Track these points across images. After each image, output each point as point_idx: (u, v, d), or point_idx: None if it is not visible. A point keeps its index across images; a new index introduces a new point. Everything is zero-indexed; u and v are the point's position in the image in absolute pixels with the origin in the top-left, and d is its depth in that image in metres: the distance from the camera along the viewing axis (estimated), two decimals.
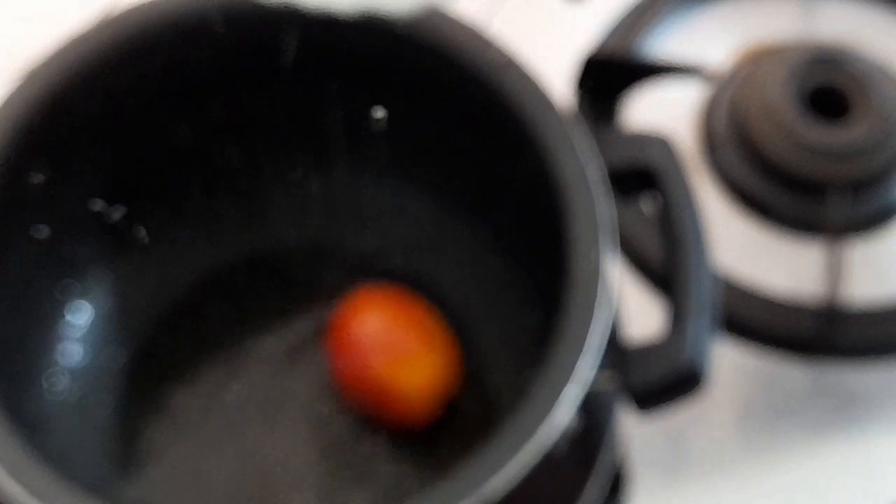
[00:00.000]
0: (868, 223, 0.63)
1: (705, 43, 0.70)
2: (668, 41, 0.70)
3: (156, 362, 0.56)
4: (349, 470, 0.54)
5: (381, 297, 0.55)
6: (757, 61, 0.66)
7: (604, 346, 0.43)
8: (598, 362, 0.42)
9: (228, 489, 0.53)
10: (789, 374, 0.61)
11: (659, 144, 0.47)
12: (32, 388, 0.51)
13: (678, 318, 0.43)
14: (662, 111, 0.68)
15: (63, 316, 0.54)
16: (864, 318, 0.60)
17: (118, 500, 0.51)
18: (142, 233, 0.56)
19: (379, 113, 0.55)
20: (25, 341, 0.51)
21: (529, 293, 0.54)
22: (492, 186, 0.54)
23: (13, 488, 0.39)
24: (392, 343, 0.53)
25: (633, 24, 0.70)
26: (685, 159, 0.50)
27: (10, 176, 0.46)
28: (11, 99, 0.46)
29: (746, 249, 0.63)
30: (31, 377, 0.51)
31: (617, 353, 0.43)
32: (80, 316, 0.54)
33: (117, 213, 0.55)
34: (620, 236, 0.61)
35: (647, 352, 0.43)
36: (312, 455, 0.54)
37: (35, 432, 0.49)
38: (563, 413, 0.41)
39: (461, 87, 0.49)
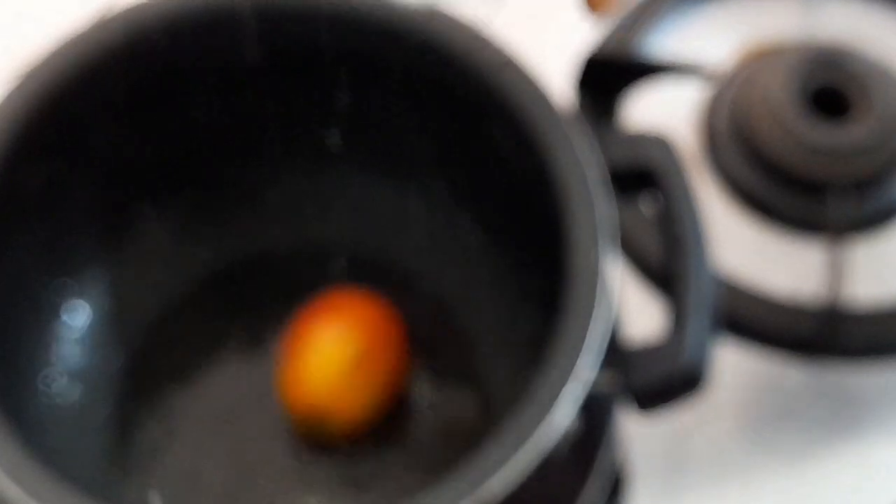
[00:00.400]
0: (869, 223, 0.63)
1: (706, 42, 0.70)
2: (669, 40, 0.70)
3: (154, 363, 0.56)
4: (350, 471, 0.54)
5: (336, 301, 0.55)
6: (758, 61, 0.66)
7: (604, 347, 0.43)
8: (598, 363, 0.42)
9: (226, 490, 0.53)
10: (790, 374, 0.61)
11: (659, 144, 0.47)
12: (29, 388, 0.51)
13: (679, 318, 0.44)
14: (663, 111, 0.68)
15: (60, 316, 0.54)
16: (865, 318, 0.60)
17: (116, 500, 0.51)
18: (140, 233, 0.56)
19: (379, 114, 0.55)
20: (22, 341, 0.51)
21: (529, 293, 0.54)
22: (491, 186, 0.54)
23: (11, 489, 0.39)
24: (298, 342, 0.54)
25: (634, 23, 0.70)
26: (686, 159, 0.50)
27: (7, 175, 0.46)
28: (10, 98, 0.47)
29: (747, 249, 0.63)
30: (29, 378, 0.51)
31: (617, 353, 0.44)
32: (78, 316, 0.54)
33: (115, 214, 0.55)
34: (620, 236, 0.62)
35: (648, 352, 0.44)
36: (313, 455, 0.54)
37: (32, 433, 0.49)
38: (563, 414, 0.41)
39: (461, 87, 0.49)
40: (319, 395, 0.53)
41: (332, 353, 0.53)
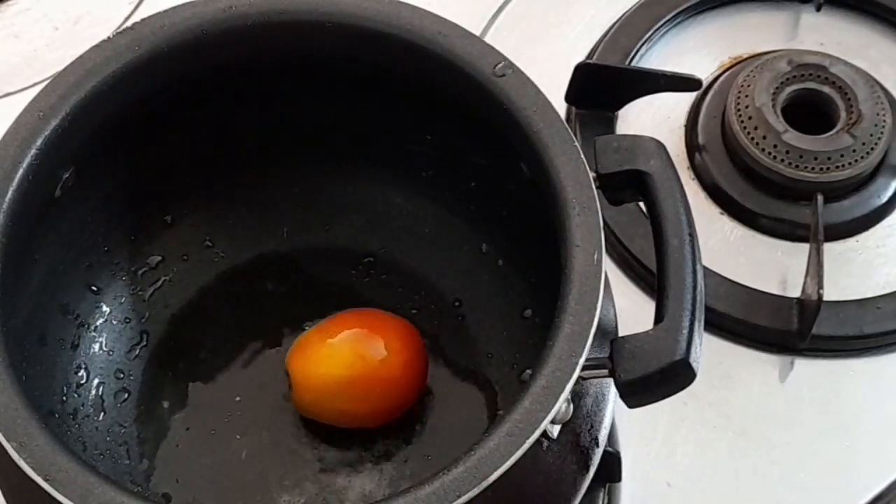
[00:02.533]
0: (850, 227, 0.65)
1: (693, 52, 0.72)
2: (659, 50, 0.72)
3: (175, 359, 0.57)
4: (356, 464, 0.55)
5: (365, 315, 0.56)
6: (742, 70, 0.68)
7: (600, 342, 0.44)
8: (594, 358, 0.43)
9: (240, 479, 0.54)
10: (773, 369, 0.62)
11: (651, 147, 0.48)
12: (57, 386, 0.53)
13: (670, 314, 0.44)
14: (650, 117, 0.69)
15: (84, 316, 0.55)
16: (844, 315, 0.61)
17: (141, 492, 0.52)
18: (161, 236, 0.58)
19: (384, 120, 0.56)
20: (49, 341, 0.52)
21: (529, 293, 0.55)
22: (492, 187, 0.55)
23: (41, 483, 0.40)
24: (320, 335, 0.55)
25: (626, 33, 0.71)
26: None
27: (35, 180, 0.47)
28: (36, 103, 0.47)
29: (731, 252, 0.65)
30: (56, 376, 0.53)
31: (612, 348, 0.44)
32: (101, 316, 0.56)
33: (138, 218, 0.56)
34: (617, 236, 0.63)
35: (641, 347, 0.44)
36: (324, 449, 0.55)
37: (60, 429, 0.50)
38: (560, 408, 0.42)
39: (462, 92, 0.49)
40: (321, 401, 0.54)
41: (341, 361, 0.54)
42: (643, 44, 0.71)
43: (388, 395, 0.54)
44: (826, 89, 0.66)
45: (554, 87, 0.61)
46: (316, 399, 0.54)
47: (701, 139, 0.68)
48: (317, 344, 0.54)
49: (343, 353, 0.54)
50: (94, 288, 0.55)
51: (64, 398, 0.53)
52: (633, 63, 0.70)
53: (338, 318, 0.56)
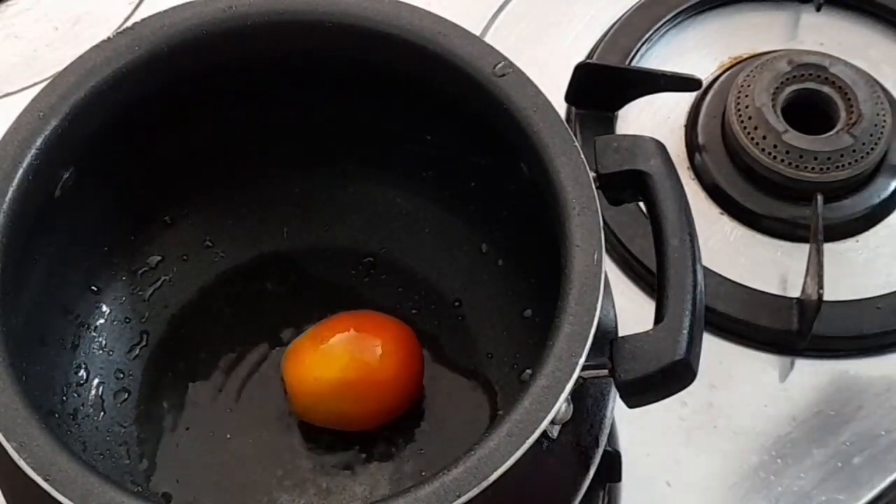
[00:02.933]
0: (850, 227, 0.65)
1: (693, 52, 0.72)
2: (659, 50, 0.72)
3: (175, 359, 0.57)
4: (356, 464, 0.55)
5: (359, 318, 0.56)
6: (742, 70, 0.68)
7: (600, 342, 0.44)
8: (594, 357, 0.43)
9: (241, 480, 0.54)
10: (773, 369, 0.62)
11: (651, 146, 0.48)
12: (58, 387, 0.53)
13: (671, 314, 0.44)
14: (650, 117, 0.69)
15: (83, 317, 0.55)
16: (844, 315, 0.61)
17: (141, 492, 0.52)
18: (161, 236, 0.58)
19: (384, 120, 0.56)
20: (49, 342, 0.52)
21: (529, 293, 0.55)
22: (492, 187, 0.55)
23: (41, 483, 0.40)
24: (318, 337, 0.55)
25: (626, 33, 0.71)
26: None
27: (34, 181, 0.47)
28: (35, 104, 0.47)
29: (731, 252, 0.65)
30: (56, 376, 0.53)
31: (612, 348, 0.44)
32: (100, 316, 0.56)
33: (137, 218, 0.57)
34: (617, 236, 0.63)
35: (641, 347, 0.44)
36: (323, 448, 0.55)
37: (61, 429, 0.50)
38: (560, 408, 0.42)
39: (462, 92, 0.49)
40: (319, 400, 0.54)
41: (338, 361, 0.54)
42: (643, 44, 0.71)
43: (383, 397, 0.54)
44: (826, 89, 0.66)
45: (554, 87, 0.61)
46: (313, 403, 0.54)
47: (701, 139, 0.68)
48: (310, 349, 0.54)
49: (337, 356, 0.54)
50: (94, 288, 0.56)
51: (64, 398, 0.53)
52: (633, 63, 0.70)
53: (330, 321, 0.56)
